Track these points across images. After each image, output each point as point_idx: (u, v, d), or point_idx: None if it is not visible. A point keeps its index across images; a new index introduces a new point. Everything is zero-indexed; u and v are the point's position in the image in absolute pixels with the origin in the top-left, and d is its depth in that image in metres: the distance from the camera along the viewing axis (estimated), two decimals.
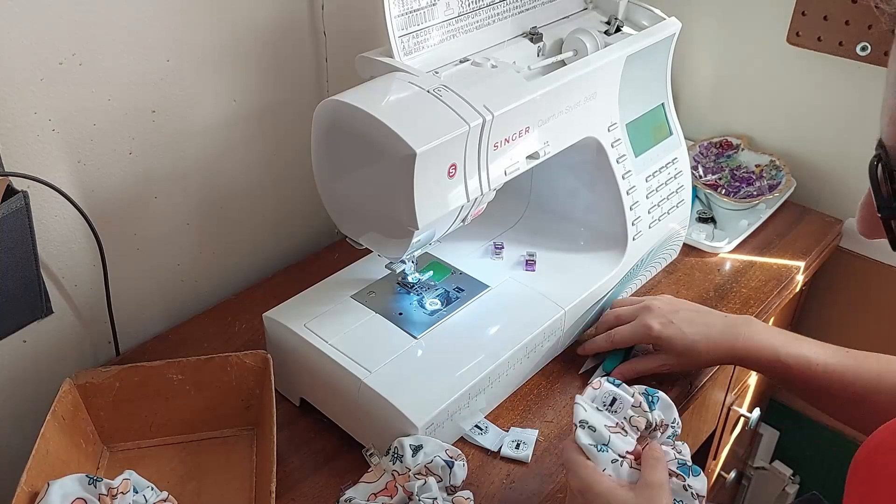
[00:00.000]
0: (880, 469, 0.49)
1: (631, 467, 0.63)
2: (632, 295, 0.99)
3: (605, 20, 0.91)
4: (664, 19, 0.90)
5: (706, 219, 1.13)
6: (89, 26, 0.76)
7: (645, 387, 0.69)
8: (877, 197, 0.44)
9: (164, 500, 0.68)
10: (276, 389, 0.83)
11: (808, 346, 0.79)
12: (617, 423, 0.66)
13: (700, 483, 0.65)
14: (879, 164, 0.45)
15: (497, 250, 0.93)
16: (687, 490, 0.64)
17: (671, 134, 0.96)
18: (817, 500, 0.72)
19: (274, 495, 0.67)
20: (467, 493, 0.72)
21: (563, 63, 0.85)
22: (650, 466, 0.63)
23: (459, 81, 0.72)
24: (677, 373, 0.86)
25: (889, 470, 0.48)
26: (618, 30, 0.90)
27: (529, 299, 0.87)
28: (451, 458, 0.71)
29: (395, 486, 0.70)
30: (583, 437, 0.64)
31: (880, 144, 0.44)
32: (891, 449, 0.49)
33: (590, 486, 0.62)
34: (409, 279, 0.86)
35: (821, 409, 0.82)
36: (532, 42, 0.85)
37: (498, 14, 0.82)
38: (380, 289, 0.86)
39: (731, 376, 1.05)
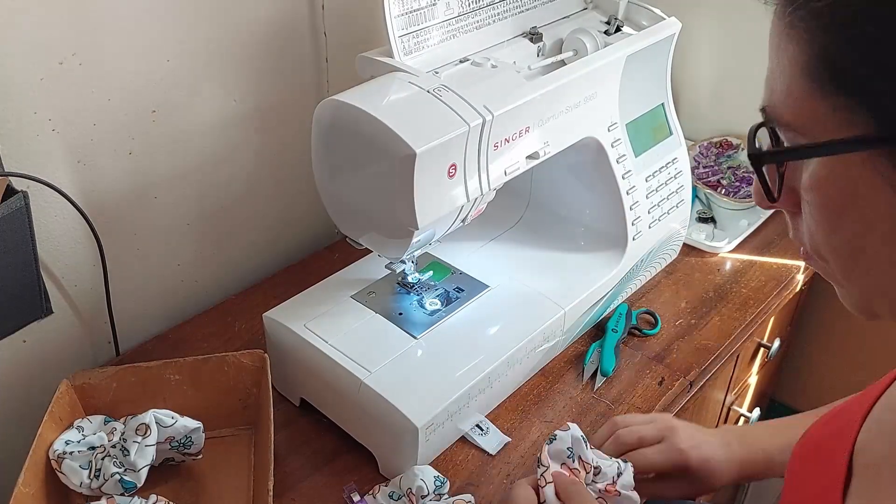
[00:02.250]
0: (802, 460, 0.57)
1: None
2: (631, 295, 0.99)
3: (605, 20, 0.91)
4: (664, 19, 0.90)
5: (706, 219, 1.13)
6: (89, 26, 0.76)
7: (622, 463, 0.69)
8: (749, 147, 0.46)
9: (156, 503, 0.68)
10: (276, 389, 0.83)
11: (790, 430, 0.73)
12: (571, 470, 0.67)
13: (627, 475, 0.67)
14: (758, 129, 0.48)
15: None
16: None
17: (671, 134, 0.96)
18: None
19: (272, 494, 0.67)
20: (468, 497, 0.72)
21: (563, 63, 0.85)
22: (570, 497, 0.63)
23: (459, 81, 0.72)
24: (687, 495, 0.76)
25: (805, 462, 0.57)
26: (618, 30, 0.90)
27: (529, 299, 0.87)
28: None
29: None
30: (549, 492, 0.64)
31: (762, 109, 0.46)
32: (809, 443, 0.58)
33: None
34: (409, 279, 0.86)
35: None
36: (532, 42, 0.85)
37: (498, 14, 0.82)
38: (380, 289, 0.86)
39: (732, 376, 1.05)
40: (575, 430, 0.67)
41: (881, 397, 0.54)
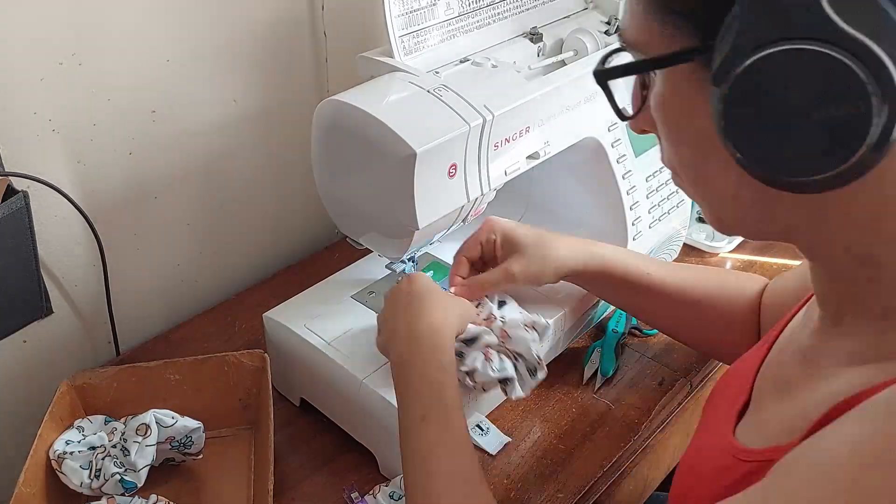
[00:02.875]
0: (718, 388, 0.62)
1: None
2: None
3: (606, 20, 0.91)
4: None
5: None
6: (89, 26, 0.76)
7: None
8: (595, 67, 0.50)
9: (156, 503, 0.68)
10: (276, 389, 0.83)
11: (642, 258, 0.81)
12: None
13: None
14: (613, 52, 0.53)
15: None
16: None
17: None
18: None
19: (272, 494, 0.67)
20: None
21: (563, 63, 0.85)
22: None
23: (459, 81, 0.72)
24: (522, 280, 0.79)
25: (713, 402, 0.61)
26: (618, 30, 0.90)
27: (529, 299, 0.87)
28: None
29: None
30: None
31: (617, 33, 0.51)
32: (728, 374, 0.63)
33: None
34: None
35: (656, 326, 0.86)
36: (532, 42, 0.84)
37: (498, 14, 0.82)
38: (380, 289, 0.86)
39: None
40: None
41: (786, 326, 0.57)
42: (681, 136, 0.47)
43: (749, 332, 0.76)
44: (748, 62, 0.38)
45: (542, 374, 0.73)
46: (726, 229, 0.50)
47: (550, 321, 0.77)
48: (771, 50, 0.37)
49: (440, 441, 0.61)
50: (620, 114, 0.52)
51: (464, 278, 0.80)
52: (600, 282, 0.80)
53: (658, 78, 0.46)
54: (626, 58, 0.48)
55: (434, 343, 0.67)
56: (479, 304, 0.77)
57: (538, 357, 0.73)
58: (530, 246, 0.78)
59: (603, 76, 0.49)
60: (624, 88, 0.54)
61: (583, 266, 0.79)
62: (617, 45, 0.50)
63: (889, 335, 0.44)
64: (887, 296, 0.44)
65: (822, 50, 0.36)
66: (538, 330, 0.75)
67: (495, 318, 0.76)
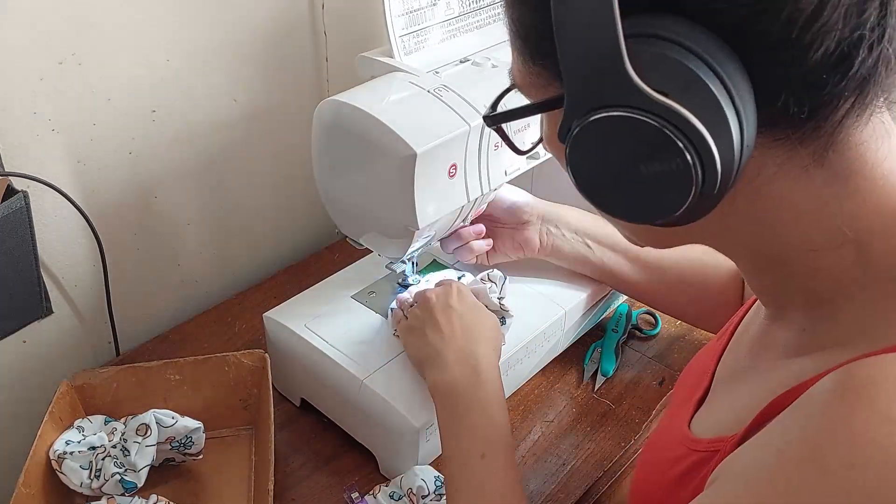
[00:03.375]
0: (684, 375, 0.63)
1: None
2: None
3: None
4: None
5: None
6: (89, 26, 0.76)
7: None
8: (486, 111, 0.53)
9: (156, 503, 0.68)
10: (276, 389, 0.83)
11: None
12: None
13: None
14: (505, 92, 0.54)
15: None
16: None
17: None
18: None
19: (272, 494, 0.67)
20: None
21: None
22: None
23: (459, 81, 0.72)
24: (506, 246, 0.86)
25: (675, 393, 0.62)
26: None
27: (529, 299, 0.87)
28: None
29: None
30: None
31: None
32: (694, 360, 0.63)
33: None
34: (410, 279, 0.86)
35: (633, 295, 0.88)
36: None
37: (498, 14, 0.82)
38: (380, 289, 0.86)
39: None
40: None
41: (744, 315, 0.59)
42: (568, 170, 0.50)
43: (732, 301, 0.78)
44: (576, 128, 0.41)
45: (509, 319, 0.78)
46: (636, 245, 0.52)
47: (504, 273, 0.82)
48: (591, 118, 0.39)
49: (498, 480, 0.63)
50: (516, 149, 0.57)
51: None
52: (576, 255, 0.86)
53: (543, 117, 0.49)
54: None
55: (492, 377, 0.69)
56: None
57: (501, 304, 0.78)
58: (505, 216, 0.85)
59: (491, 121, 0.52)
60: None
61: (565, 213, 0.86)
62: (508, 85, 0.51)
63: (821, 325, 0.45)
64: (808, 288, 0.45)
65: (633, 116, 0.38)
66: (494, 280, 0.80)
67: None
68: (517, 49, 0.45)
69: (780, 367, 0.46)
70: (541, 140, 0.52)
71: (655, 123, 0.37)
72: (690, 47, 0.37)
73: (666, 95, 0.37)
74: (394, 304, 0.81)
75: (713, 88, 0.37)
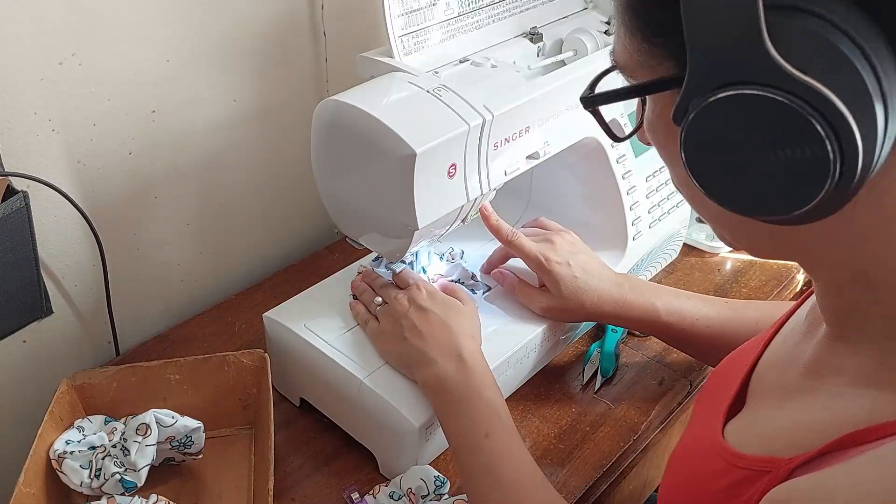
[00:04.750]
0: (709, 384, 0.62)
1: None
2: None
3: (605, 20, 0.91)
4: None
5: None
6: (89, 26, 0.76)
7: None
8: (584, 92, 0.50)
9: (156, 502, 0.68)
10: (276, 389, 0.83)
11: (688, 301, 0.81)
12: None
13: None
14: (604, 74, 0.53)
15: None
16: None
17: None
18: None
19: (272, 494, 0.67)
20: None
21: (563, 63, 0.85)
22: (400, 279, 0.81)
23: (459, 81, 0.72)
24: (557, 318, 0.83)
25: (711, 386, 0.61)
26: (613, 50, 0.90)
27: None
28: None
29: None
30: None
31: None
32: (720, 369, 0.62)
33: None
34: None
35: (708, 364, 0.85)
36: (532, 42, 0.85)
37: (498, 14, 0.82)
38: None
39: None
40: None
41: (776, 333, 0.57)
42: (668, 158, 0.47)
43: None
44: (699, 107, 0.37)
45: (480, 289, 0.84)
46: (729, 245, 0.50)
47: (463, 250, 0.88)
48: (719, 95, 0.36)
49: (507, 454, 0.65)
50: (613, 135, 0.53)
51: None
52: (646, 326, 0.82)
53: (648, 100, 0.46)
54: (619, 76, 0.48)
55: (478, 363, 0.71)
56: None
57: (472, 273, 0.85)
58: (563, 300, 0.81)
59: (589, 102, 0.49)
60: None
61: (609, 320, 0.82)
62: (609, 65, 0.49)
63: (893, 358, 0.42)
64: (889, 316, 0.43)
65: (769, 95, 0.34)
66: (457, 257, 0.87)
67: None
68: (628, 26, 0.43)
69: (848, 395, 0.43)
70: (640, 126, 0.49)
71: (794, 105, 0.33)
72: (836, 22, 0.33)
73: (806, 74, 0.33)
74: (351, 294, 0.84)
75: (860, 70, 0.33)
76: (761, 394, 0.52)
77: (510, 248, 0.82)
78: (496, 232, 0.81)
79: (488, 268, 0.88)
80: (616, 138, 0.54)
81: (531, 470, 0.64)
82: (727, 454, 0.48)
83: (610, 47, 0.47)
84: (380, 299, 0.79)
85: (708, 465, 0.50)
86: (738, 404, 0.53)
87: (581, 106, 0.50)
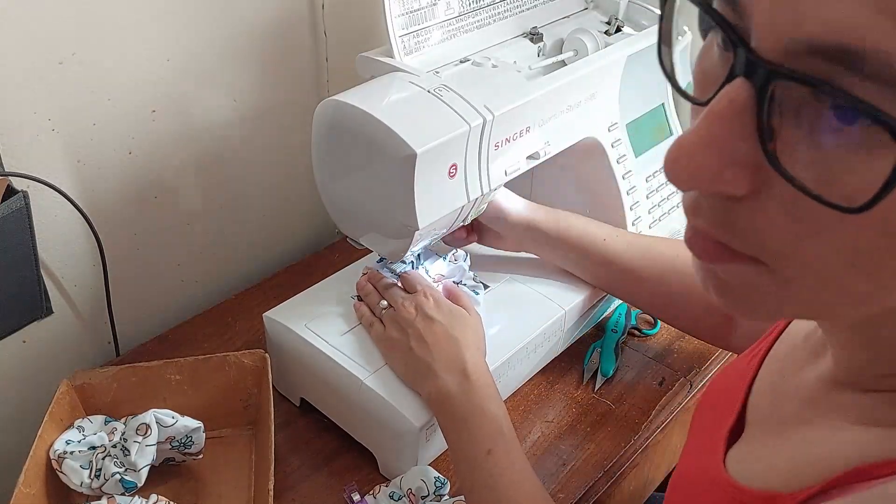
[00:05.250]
0: (701, 411, 0.58)
1: None
2: None
3: (606, 20, 0.91)
4: None
5: None
6: (89, 26, 0.76)
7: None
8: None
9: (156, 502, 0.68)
10: (276, 389, 0.83)
11: (595, 223, 0.84)
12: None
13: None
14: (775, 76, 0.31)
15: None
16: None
17: (671, 134, 0.96)
18: None
19: (272, 494, 0.67)
20: None
21: (563, 63, 0.85)
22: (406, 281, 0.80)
23: (460, 81, 0.72)
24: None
25: (704, 413, 0.57)
26: (618, 30, 0.90)
27: (529, 299, 0.87)
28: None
29: None
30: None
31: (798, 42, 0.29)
32: (710, 396, 0.58)
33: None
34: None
35: (614, 293, 0.87)
36: (532, 42, 0.85)
37: (498, 14, 0.82)
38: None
39: None
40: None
41: (770, 351, 0.53)
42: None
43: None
44: None
45: (482, 291, 0.83)
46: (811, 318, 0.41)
47: (466, 252, 0.87)
48: None
49: (509, 470, 0.64)
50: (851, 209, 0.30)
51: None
52: (554, 243, 0.84)
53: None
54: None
55: (482, 377, 0.70)
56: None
57: (472, 274, 0.85)
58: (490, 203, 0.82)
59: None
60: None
61: (540, 221, 0.84)
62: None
63: None
64: None
65: None
66: (460, 260, 0.86)
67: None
68: None
69: (850, 429, 0.40)
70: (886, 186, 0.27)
71: None
72: None
73: None
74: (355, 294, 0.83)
75: None
76: (760, 421, 0.50)
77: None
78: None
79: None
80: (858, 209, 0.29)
81: (532, 487, 0.64)
82: (730, 488, 0.46)
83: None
84: (385, 302, 0.78)
85: (709, 497, 0.48)
86: (737, 430, 0.51)
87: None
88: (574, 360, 0.90)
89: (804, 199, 0.29)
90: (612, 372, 0.87)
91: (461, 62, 0.77)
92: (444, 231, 0.79)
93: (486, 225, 0.85)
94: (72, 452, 0.71)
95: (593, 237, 0.82)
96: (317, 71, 0.99)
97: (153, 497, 0.68)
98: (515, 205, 0.83)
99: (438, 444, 0.77)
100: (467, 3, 0.78)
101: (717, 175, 0.31)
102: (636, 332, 0.94)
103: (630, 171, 0.91)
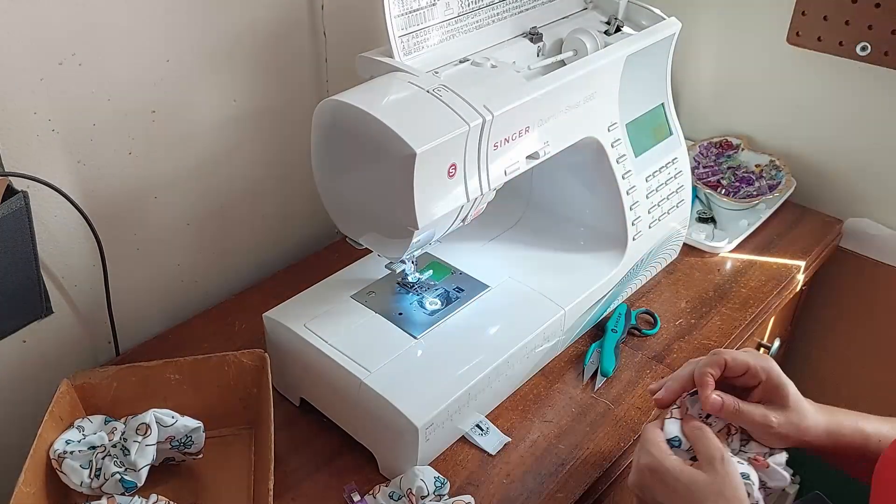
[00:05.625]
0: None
1: None
2: (631, 295, 0.99)
3: (605, 20, 0.91)
4: (664, 19, 0.90)
5: (706, 219, 1.13)
6: (89, 26, 0.76)
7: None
8: None
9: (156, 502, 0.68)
10: (276, 389, 0.83)
11: (876, 420, 0.71)
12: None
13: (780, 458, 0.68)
14: None
15: None
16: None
17: (671, 134, 0.96)
18: (820, 500, 0.72)
19: (272, 494, 0.67)
20: (468, 498, 0.72)
21: (562, 63, 0.85)
22: (697, 439, 0.65)
23: (459, 81, 0.72)
24: (773, 438, 0.70)
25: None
26: (618, 30, 0.90)
27: (529, 299, 0.87)
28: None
29: None
30: (670, 425, 0.68)
31: None
32: None
33: (660, 461, 0.64)
34: (409, 279, 0.86)
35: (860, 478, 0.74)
36: (532, 42, 0.85)
37: (498, 14, 0.82)
38: (380, 289, 0.86)
39: None
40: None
41: None
42: None
43: None
44: None
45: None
46: None
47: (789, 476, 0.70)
48: None
49: None
50: None
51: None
52: (849, 454, 0.71)
53: None
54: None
55: None
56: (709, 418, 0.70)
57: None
58: (792, 404, 0.69)
59: None
60: None
61: (834, 436, 0.70)
62: None
63: None
64: None
65: None
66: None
67: (735, 431, 0.70)
68: None
69: None
70: None
71: None
72: None
73: None
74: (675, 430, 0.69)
75: None
76: None
77: (737, 421, 0.70)
78: (723, 414, 0.69)
79: (668, 398, 0.73)
80: None
81: None
82: None
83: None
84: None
85: None
86: None
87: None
88: (574, 360, 0.90)
89: None
90: (611, 372, 0.87)
91: (460, 62, 0.77)
92: (445, 231, 0.79)
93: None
94: (72, 452, 0.71)
95: (883, 443, 0.69)
96: (317, 71, 0.99)
97: (153, 497, 0.68)
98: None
99: (438, 443, 0.77)
100: (466, 3, 0.78)
101: None
102: (636, 331, 0.94)
103: (630, 171, 0.91)
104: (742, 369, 0.70)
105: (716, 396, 0.68)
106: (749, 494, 0.64)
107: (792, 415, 0.68)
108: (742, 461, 0.67)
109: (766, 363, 0.70)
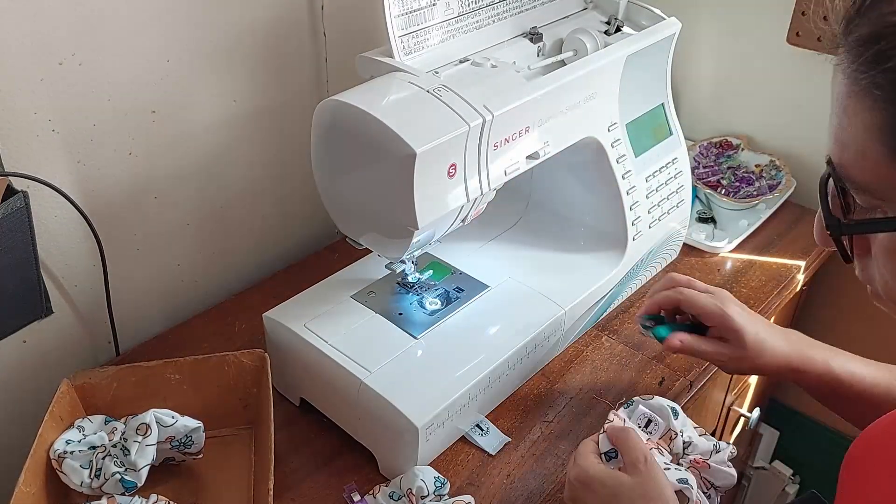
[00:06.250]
0: (872, 463, 0.51)
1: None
2: (631, 295, 0.99)
3: (605, 20, 0.91)
4: (664, 19, 0.90)
5: (706, 219, 1.13)
6: (89, 26, 0.76)
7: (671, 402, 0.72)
8: (825, 214, 0.46)
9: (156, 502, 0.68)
10: (276, 389, 0.83)
11: (853, 360, 0.75)
12: (648, 440, 0.70)
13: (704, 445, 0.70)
14: (830, 180, 0.47)
15: None
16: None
17: (671, 134, 0.96)
18: (817, 500, 0.72)
19: (272, 494, 0.67)
20: (468, 498, 0.72)
21: (562, 63, 0.85)
22: (622, 443, 0.66)
23: (459, 81, 0.72)
24: (727, 368, 0.79)
25: (881, 465, 0.50)
26: (618, 30, 0.90)
27: (529, 299, 0.87)
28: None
29: None
30: (605, 439, 0.68)
31: (829, 161, 0.46)
32: (882, 444, 0.51)
33: (586, 471, 0.65)
34: (409, 279, 0.86)
35: (854, 423, 0.77)
36: (532, 42, 0.85)
37: (498, 14, 0.82)
38: (380, 289, 0.86)
39: (732, 376, 1.05)
40: (660, 400, 0.72)
41: None
42: None
43: None
44: None
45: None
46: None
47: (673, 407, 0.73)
48: None
49: None
50: (847, 258, 0.49)
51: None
52: (821, 389, 0.75)
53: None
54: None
55: None
56: (648, 421, 0.72)
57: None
58: (749, 344, 0.74)
59: (839, 230, 0.46)
60: None
61: (782, 374, 0.76)
62: (826, 172, 0.46)
63: None
64: None
65: None
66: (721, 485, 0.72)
67: (676, 435, 0.71)
68: (884, 145, 0.41)
69: None
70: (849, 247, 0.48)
71: None
72: None
73: None
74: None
75: None
76: None
77: (684, 304, 0.77)
78: (662, 300, 0.77)
79: (652, 307, 0.79)
80: (849, 260, 0.49)
81: None
82: None
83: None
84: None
85: None
86: None
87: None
88: (574, 359, 0.90)
89: None
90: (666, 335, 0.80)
91: (460, 62, 0.77)
92: (445, 231, 0.79)
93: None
94: (72, 452, 0.71)
95: (856, 378, 0.74)
96: (317, 71, 0.99)
97: (153, 497, 0.68)
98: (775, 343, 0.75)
99: (438, 443, 0.77)
100: (466, 3, 0.78)
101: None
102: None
103: (630, 171, 0.91)
104: (696, 311, 0.76)
105: (676, 341, 0.75)
106: (688, 500, 0.66)
107: (746, 352, 0.74)
108: (680, 467, 0.69)
109: (723, 308, 0.75)
